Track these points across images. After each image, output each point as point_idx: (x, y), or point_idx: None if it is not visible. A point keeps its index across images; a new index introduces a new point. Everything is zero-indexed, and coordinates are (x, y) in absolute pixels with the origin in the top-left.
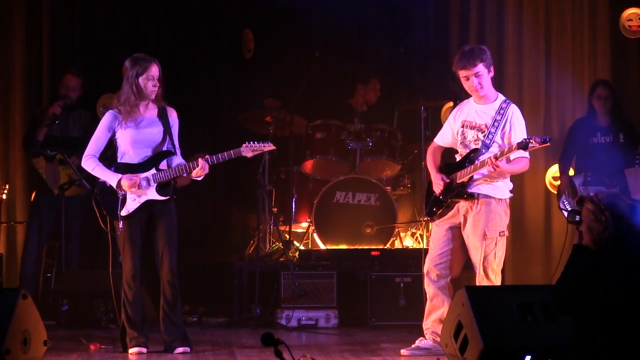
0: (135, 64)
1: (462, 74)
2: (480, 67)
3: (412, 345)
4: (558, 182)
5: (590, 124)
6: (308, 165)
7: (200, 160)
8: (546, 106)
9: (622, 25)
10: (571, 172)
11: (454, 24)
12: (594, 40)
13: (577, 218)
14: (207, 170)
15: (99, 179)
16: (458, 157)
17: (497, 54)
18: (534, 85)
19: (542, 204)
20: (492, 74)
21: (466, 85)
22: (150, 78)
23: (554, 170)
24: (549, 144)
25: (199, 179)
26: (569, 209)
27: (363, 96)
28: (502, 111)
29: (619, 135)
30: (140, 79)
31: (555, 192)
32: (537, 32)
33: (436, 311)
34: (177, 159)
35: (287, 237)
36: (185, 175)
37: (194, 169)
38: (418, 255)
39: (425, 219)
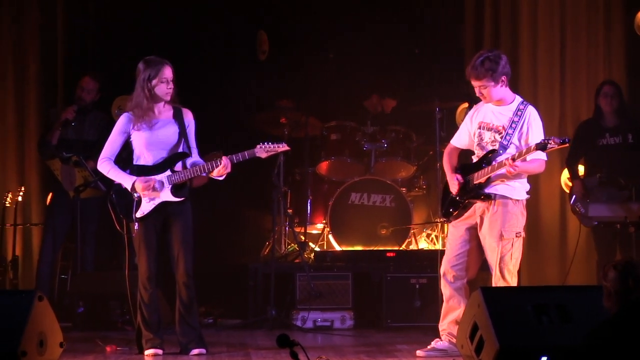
0: (148, 67)
1: (472, 82)
2: (486, 81)
3: (428, 347)
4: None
5: (597, 126)
6: (323, 166)
7: (224, 158)
8: (561, 108)
9: (637, 26)
10: (581, 173)
11: (469, 25)
12: (608, 41)
13: None
14: (229, 169)
15: (114, 181)
16: (475, 159)
17: (511, 55)
18: (549, 87)
19: (557, 205)
20: (504, 83)
21: (476, 91)
22: (164, 80)
23: None
24: (568, 144)
25: (220, 178)
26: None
27: (377, 104)
28: (519, 112)
29: (627, 136)
30: (153, 82)
31: None
32: (552, 34)
33: (452, 312)
34: (193, 159)
35: (303, 238)
36: (204, 175)
37: (216, 167)
38: (433, 257)
39: (440, 220)
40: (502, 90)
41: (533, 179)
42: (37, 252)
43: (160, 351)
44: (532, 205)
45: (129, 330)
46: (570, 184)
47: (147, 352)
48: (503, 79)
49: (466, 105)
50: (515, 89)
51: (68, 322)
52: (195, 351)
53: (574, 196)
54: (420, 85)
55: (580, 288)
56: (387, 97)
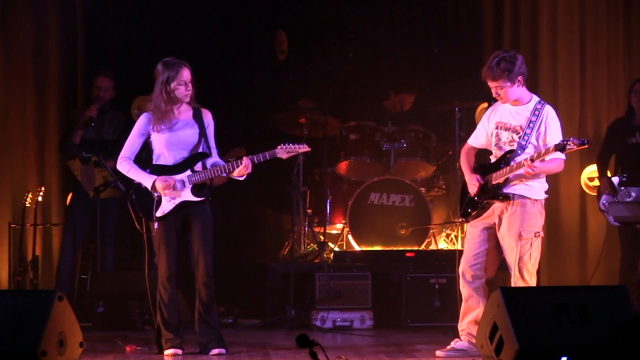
0: (166, 68)
1: (488, 82)
2: (503, 82)
3: (448, 347)
4: (593, 183)
5: (628, 124)
6: (342, 166)
7: (245, 159)
8: (581, 107)
9: None
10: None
11: (488, 25)
12: (629, 39)
13: None
14: (250, 170)
15: (134, 180)
16: (493, 159)
17: (531, 53)
18: (569, 86)
19: (577, 204)
20: (519, 83)
21: (493, 92)
22: (182, 83)
23: (589, 170)
24: (587, 145)
25: (241, 178)
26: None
27: (396, 100)
28: (537, 112)
29: None
30: (172, 85)
31: (590, 193)
32: (572, 32)
33: (471, 312)
34: (213, 160)
35: (322, 238)
36: (225, 175)
37: (237, 168)
38: (453, 257)
39: (460, 220)
40: (518, 91)
41: (553, 179)
42: (57, 252)
43: (180, 351)
44: (552, 205)
45: (148, 330)
46: (590, 184)
47: (166, 352)
48: (519, 79)
49: (485, 105)
50: (535, 89)
51: (88, 322)
52: (215, 351)
53: (602, 196)
54: (439, 85)
55: (600, 288)
56: (403, 92)
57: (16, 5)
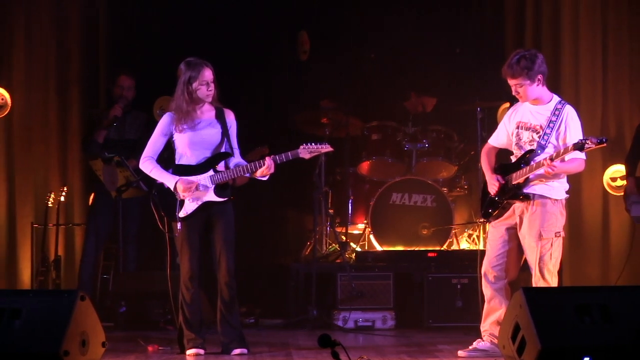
0: (188, 69)
1: (508, 80)
2: (522, 80)
3: (470, 347)
4: (616, 183)
5: None
6: (364, 166)
7: (267, 159)
8: (603, 106)
9: None
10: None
11: (510, 24)
12: None
13: None
14: (273, 170)
15: (156, 180)
16: (513, 159)
17: (553, 53)
18: (591, 85)
19: (599, 204)
20: (539, 82)
21: (512, 90)
22: (204, 83)
23: (612, 170)
24: (605, 144)
25: (264, 178)
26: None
27: (416, 102)
28: (557, 112)
29: None
30: (194, 85)
31: (613, 193)
32: (594, 31)
33: (494, 313)
34: (236, 160)
35: (344, 238)
36: (247, 175)
37: (259, 168)
38: (475, 257)
39: (481, 220)
40: (538, 89)
41: (574, 179)
42: (80, 252)
43: (202, 351)
44: (574, 205)
45: (170, 330)
46: (613, 184)
47: (188, 352)
48: (539, 77)
49: (507, 104)
50: (557, 88)
51: (110, 322)
52: (237, 351)
53: (630, 197)
54: (461, 85)
55: (622, 288)
56: (425, 95)
57: (40, 5)
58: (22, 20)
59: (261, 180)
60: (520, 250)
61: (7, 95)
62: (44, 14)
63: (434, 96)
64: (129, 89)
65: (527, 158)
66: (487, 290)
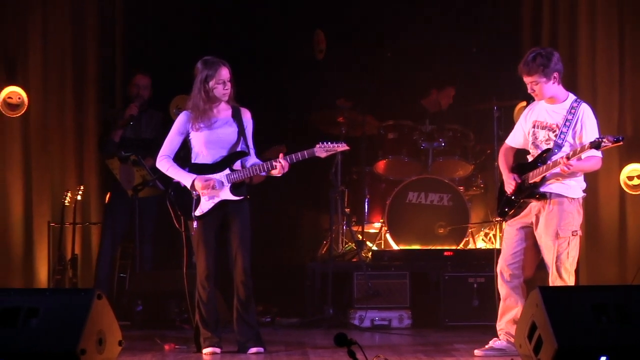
0: (205, 67)
1: (524, 78)
2: (538, 77)
3: (486, 346)
4: (633, 182)
5: None
6: (380, 165)
7: (282, 158)
8: (620, 104)
9: None
10: None
11: (526, 23)
12: None
13: None
14: (287, 169)
15: (173, 179)
16: (530, 158)
17: (569, 53)
18: (608, 84)
19: (616, 203)
20: (555, 80)
21: (528, 88)
22: (221, 82)
23: (629, 169)
24: (621, 142)
25: (278, 175)
26: None
27: (437, 99)
28: (573, 110)
29: None
30: (211, 83)
31: (630, 192)
32: (611, 30)
33: (510, 312)
34: (252, 159)
35: (360, 237)
36: (263, 174)
37: (275, 167)
38: (491, 256)
39: (497, 219)
40: (553, 88)
41: (591, 178)
42: (96, 251)
43: (218, 350)
44: (591, 203)
45: (187, 329)
46: (630, 183)
47: (205, 350)
48: (555, 75)
49: (524, 103)
50: (573, 87)
51: (127, 321)
52: (253, 350)
53: None
54: (477, 84)
55: (639, 287)
56: (446, 87)
57: (56, 5)
58: (38, 20)
59: (277, 179)
60: (536, 249)
61: (23, 94)
62: (60, 14)
63: (453, 86)
64: (145, 87)
65: (543, 157)
66: (502, 288)
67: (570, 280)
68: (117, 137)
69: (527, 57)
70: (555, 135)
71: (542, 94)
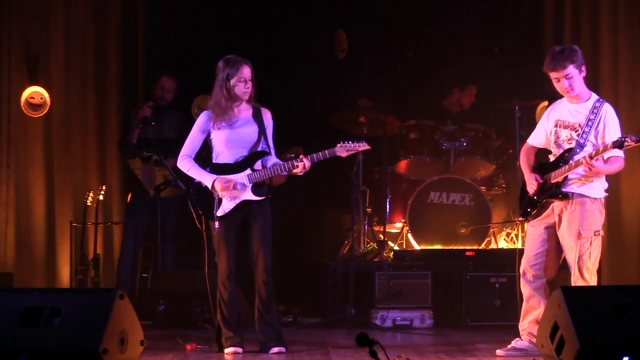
0: (227, 66)
1: (552, 75)
2: (571, 69)
3: (508, 346)
4: None
5: None
6: (402, 165)
7: (304, 158)
8: None
9: None
10: None
11: (549, 23)
12: None
13: None
14: (309, 168)
15: (194, 179)
16: (552, 158)
17: (592, 52)
18: (630, 84)
19: (638, 203)
20: (584, 73)
21: (557, 86)
22: (242, 80)
23: None
24: None
25: (300, 174)
26: None
27: (459, 99)
28: (595, 110)
29: None
30: (232, 82)
31: None
32: (634, 29)
33: (532, 312)
34: (272, 159)
35: (382, 237)
36: (285, 174)
37: (296, 167)
38: (513, 256)
39: (520, 219)
40: (582, 83)
41: (613, 178)
42: (118, 251)
43: (240, 349)
44: (613, 203)
45: (208, 329)
46: None
47: (227, 350)
48: (583, 68)
49: (546, 103)
50: (595, 87)
51: (149, 321)
52: (275, 349)
53: None
54: (499, 84)
55: None
56: (469, 85)
57: (79, 5)
58: (61, 19)
59: (298, 178)
60: (559, 249)
61: (46, 94)
62: (82, 14)
63: (475, 84)
64: (170, 90)
65: (565, 157)
66: (525, 289)
67: (592, 280)
68: (134, 138)
69: (552, 52)
70: (578, 135)
71: (573, 88)
